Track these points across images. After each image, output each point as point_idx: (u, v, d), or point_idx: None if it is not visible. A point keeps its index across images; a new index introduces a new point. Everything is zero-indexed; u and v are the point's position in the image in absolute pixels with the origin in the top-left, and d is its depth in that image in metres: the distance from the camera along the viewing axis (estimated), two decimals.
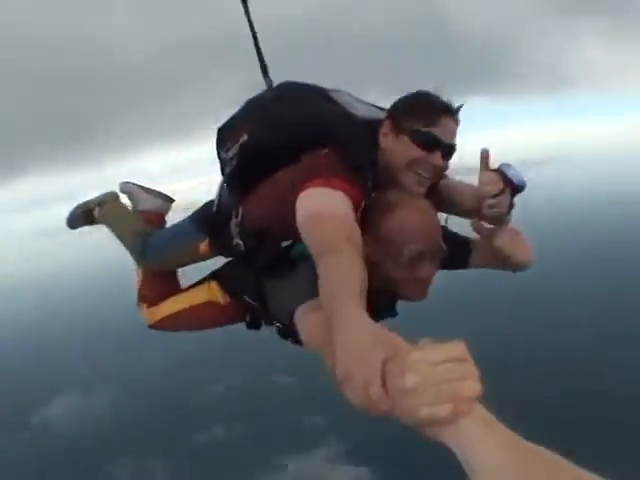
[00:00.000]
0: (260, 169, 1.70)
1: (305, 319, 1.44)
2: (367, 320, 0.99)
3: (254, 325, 2.06)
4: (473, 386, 0.74)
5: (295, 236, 1.75)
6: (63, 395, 36.46)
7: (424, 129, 1.56)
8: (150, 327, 2.38)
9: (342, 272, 1.16)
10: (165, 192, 2.51)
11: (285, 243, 1.77)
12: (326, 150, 1.57)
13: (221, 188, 2.04)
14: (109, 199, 2.46)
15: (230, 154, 1.80)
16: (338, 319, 1.01)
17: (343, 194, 1.43)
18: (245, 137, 1.74)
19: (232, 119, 1.89)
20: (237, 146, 1.76)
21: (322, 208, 1.38)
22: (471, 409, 0.73)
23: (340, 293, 1.09)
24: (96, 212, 2.44)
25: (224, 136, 1.86)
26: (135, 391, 35.22)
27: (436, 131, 1.56)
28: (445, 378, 0.73)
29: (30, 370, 41.23)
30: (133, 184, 2.49)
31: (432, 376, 0.73)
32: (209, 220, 2.07)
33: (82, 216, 2.47)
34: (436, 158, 1.58)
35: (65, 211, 2.57)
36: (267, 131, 1.69)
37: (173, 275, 2.40)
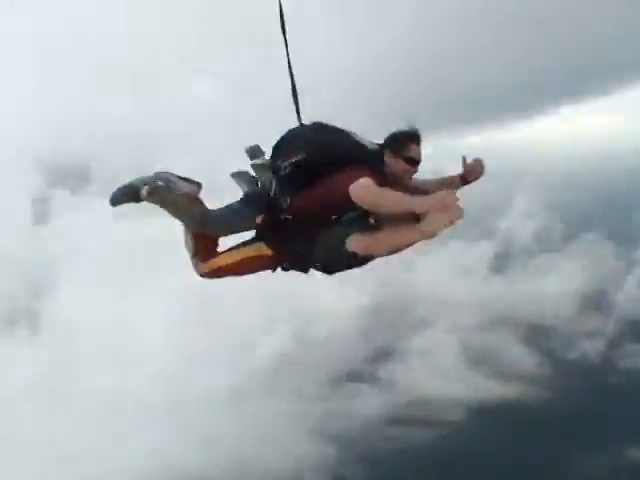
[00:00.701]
0: (309, 177, 2.96)
1: (363, 233, 2.79)
2: None
3: (286, 269, 3.24)
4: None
5: (333, 212, 2.99)
6: None
7: (409, 155, 3.02)
8: (201, 276, 3.30)
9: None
10: (195, 179, 3.02)
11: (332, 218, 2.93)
12: (361, 165, 2.88)
13: (275, 184, 3.13)
14: (151, 182, 2.75)
15: (286, 164, 2.98)
16: (410, 199, 2.48)
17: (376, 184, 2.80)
18: (299, 157, 2.94)
19: (283, 142, 3.11)
20: (293, 161, 2.96)
21: (375, 186, 2.75)
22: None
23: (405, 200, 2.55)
24: (143, 192, 2.66)
25: (278, 152, 3.11)
26: None
27: (414, 154, 3.01)
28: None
29: None
30: (169, 173, 2.88)
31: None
32: (264, 202, 3.14)
33: (129, 195, 2.68)
34: (415, 169, 3.10)
35: None
36: (318, 154, 2.96)
37: (216, 239, 3.29)
